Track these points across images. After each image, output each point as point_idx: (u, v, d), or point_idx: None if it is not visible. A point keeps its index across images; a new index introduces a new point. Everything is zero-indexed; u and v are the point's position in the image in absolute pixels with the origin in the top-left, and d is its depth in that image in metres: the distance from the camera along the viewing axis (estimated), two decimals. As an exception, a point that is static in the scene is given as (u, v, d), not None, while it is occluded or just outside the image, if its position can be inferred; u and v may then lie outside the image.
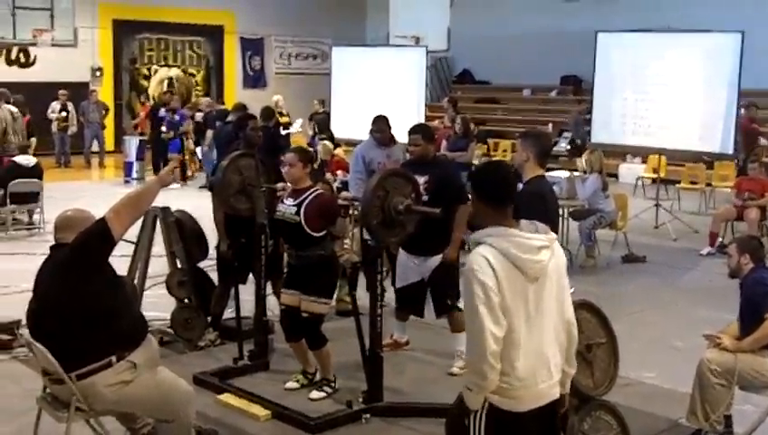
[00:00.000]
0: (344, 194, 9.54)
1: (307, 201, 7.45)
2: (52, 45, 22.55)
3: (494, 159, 17.18)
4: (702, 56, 15.73)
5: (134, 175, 21.58)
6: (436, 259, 8.25)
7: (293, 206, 7.51)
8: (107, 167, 25.20)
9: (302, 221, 7.39)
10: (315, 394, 7.67)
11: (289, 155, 7.77)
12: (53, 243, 5.77)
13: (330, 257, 7.66)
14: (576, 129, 21.34)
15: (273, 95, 20.80)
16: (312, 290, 7.48)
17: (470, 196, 4.67)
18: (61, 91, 24.40)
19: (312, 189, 7.58)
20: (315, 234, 7.43)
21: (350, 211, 8.67)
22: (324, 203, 7.56)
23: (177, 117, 21.98)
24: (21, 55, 26.38)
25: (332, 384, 7.75)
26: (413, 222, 7.20)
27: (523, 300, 4.30)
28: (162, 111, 22.24)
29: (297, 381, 7.95)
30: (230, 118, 14.07)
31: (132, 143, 21.97)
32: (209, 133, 19.57)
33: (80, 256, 5.44)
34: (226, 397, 7.58)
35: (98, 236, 5.42)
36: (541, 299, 4.37)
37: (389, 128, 10.92)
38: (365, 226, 7.17)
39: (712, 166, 19.73)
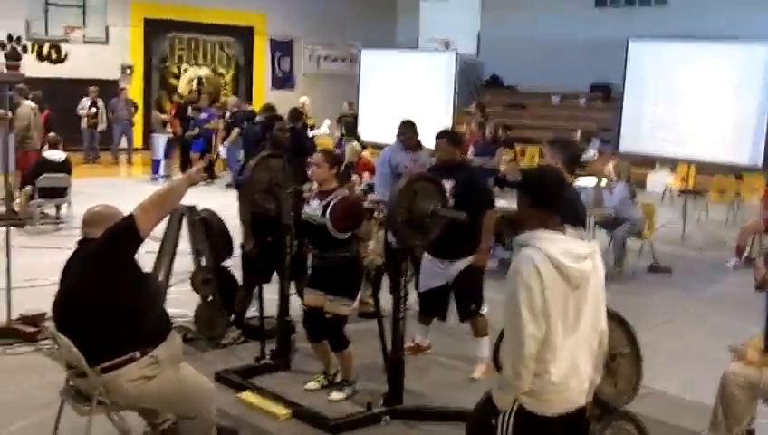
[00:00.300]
0: (370, 196, 9.53)
1: (333, 203, 7.44)
2: (84, 42, 22.63)
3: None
4: (733, 65, 15.60)
5: (161, 172, 21.67)
6: (461, 264, 8.24)
7: (319, 207, 7.50)
8: (134, 164, 25.29)
9: (328, 223, 7.39)
10: (335, 395, 7.68)
11: (316, 156, 7.80)
12: (81, 237, 5.81)
13: (354, 259, 7.64)
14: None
15: (301, 96, 20.80)
16: (335, 291, 7.48)
17: (518, 199, 4.66)
18: (91, 88, 24.54)
19: (337, 191, 7.59)
20: (340, 235, 7.43)
21: (375, 214, 8.66)
22: (350, 205, 7.57)
23: (205, 115, 22.07)
24: (52, 52, 26.53)
25: (353, 386, 7.76)
26: (439, 226, 7.20)
27: (563, 306, 4.35)
28: (190, 110, 22.37)
29: (317, 381, 7.96)
30: (258, 118, 14.09)
31: (160, 141, 22.04)
32: (235, 131, 19.62)
33: (107, 252, 5.47)
34: (247, 395, 7.58)
35: (125, 233, 5.45)
36: (579, 307, 4.42)
37: (416, 133, 10.92)
38: (389, 225, 7.19)
39: (742, 177, 19.61)
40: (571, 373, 4.41)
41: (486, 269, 8.56)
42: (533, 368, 4.31)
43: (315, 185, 7.79)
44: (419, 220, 7.01)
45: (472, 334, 8.47)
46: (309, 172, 7.96)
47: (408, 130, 10.84)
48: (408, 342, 8.26)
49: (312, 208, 7.57)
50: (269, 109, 13.99)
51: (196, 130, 21.89)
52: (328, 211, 7.41)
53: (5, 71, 9.21)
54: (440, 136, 8.57)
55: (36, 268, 11.13)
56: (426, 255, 8.44)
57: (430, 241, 7.31)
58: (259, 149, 9.14)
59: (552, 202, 4.50)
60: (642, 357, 6.03)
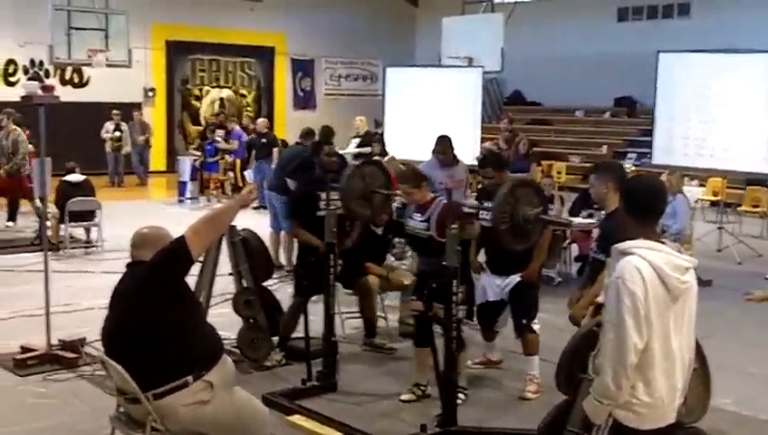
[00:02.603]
0: (470, 202, 9.54)
1: (435, 214, 7.64)
2: (107, 66, 22.64)
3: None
4: (765, 76, 15.42)
5: (188, 195, 21.65)
6: (516, 278, 8.25)
7: (423, 221, 7.80)
8: (158, 186, 25.37)
9: (434, 234, 7.56)
10: (405, 396, 7.87)
11: (401, 187, 8.05)
12: (129, 260, 5.69)
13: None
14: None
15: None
16: (441, 297, 7.41)
17: (619, 207, 4.65)
18: (114, 111, 24.73)
19: (435, 201, 7.79)
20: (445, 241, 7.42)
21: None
22: (450, 212, 7.51)
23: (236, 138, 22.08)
24: (75, 76, 26.59)
25: (424, 389, 7.89)
26: (539, 232, 7.25)
27: (663, 318, 4.26)
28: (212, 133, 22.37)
29: (413, 393, 8.04)
30: (299, 141, 14.09)
31: (186, 163, 22.01)
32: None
33: (159, 275, 5.35)
34: (296, 418, 7.43)
35: (177, 255, 5.34)
36: (678, 321, 4.34)
37: (452, 148, 10.90)
38: (493, 233, 7.24)
39: (774, 189, 19.47)
40: (667, 388, 4.33)
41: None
42: (632, 379, 4.22)
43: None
44: (521, 226, 7.01)
45: (523, 352, 8.36)
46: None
47: (443, 146, 10.79)
48: (480, 357, 8.81)
49: (416, 222, 7.90)
50: (310, 133, 13.82)
51: (220, 156, 21.86)
52: (431, 223, 7.63)
53: (40, 93, 9.08)
54: (483, 165, 8.88)
55: (70, 293, 11.11)
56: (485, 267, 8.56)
57: (529, 247, 7.44)
58: (309, 175, 9.49)
59: (649, 211, 4.44)
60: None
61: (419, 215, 7.85)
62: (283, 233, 13.02)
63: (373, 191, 8.40)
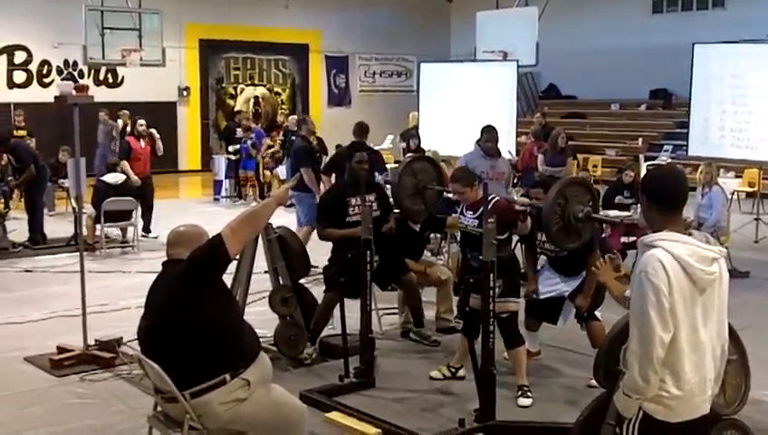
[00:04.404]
0: (521, 200, 9.62)
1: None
2: (141, 65, 22.68)
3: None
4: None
5: (223, 193, 21.72)
6: (580, 279, 8.26)
7: (475, 219, 7.93)
8: (193, 185, 25.50)
9: None
10: (522, 401, 7.74)
11: (454, 186, 8.21)
12: (165, 259, 5.68)
13: (511, 257, 7.87)
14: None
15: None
16: (501, 292, 7.50)
17: (640, 200, 4.60)
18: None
19: (486, 199, 7.74)
20: (499, 237, 7.42)
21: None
22: (501, 211, 7.69)
23: (253, 135, 21.94)
24: (109, 76, 26.71)
25: (530, 392, 7.83)
26: (590, 230, 7.42)
27: (690, 310, 4.20)
28: (239, 132, 22.26)
29: (440, 371, 8.35)
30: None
31: (221, 162, 22.03)
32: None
33: (196, 273, 5.32)
34: (335, 415, 7.41)
35: (214, 253, 5.30)
36: (706, 312, 4.27)
37: (497, 138, 10.93)
38: (545, 232, 7.50)
39: (810, 180, 19.29)
40: (697, 380, 4.28)
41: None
42: (661, 372, 4.18)
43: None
44: (572, 224, 7.21)
45: (591, 344, 8.24)
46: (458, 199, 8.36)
47: (492, 135, 10.93)
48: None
49: (468, 220, 8.04)
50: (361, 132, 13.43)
51: (254, 152, 21.72)
52: (483, 221, 7.60)
53: (74, 93, 9.15)
54: (535, 185, 9.12)
55: (106, 293, 11.15)
56: (546, 265, 8.60)
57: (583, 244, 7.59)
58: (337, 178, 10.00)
59: (671, 202, 4.35)
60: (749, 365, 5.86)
61: (471, 212, 7.99)
62: (304, 229, 12.70)
63: (425, 187, 8.70)
